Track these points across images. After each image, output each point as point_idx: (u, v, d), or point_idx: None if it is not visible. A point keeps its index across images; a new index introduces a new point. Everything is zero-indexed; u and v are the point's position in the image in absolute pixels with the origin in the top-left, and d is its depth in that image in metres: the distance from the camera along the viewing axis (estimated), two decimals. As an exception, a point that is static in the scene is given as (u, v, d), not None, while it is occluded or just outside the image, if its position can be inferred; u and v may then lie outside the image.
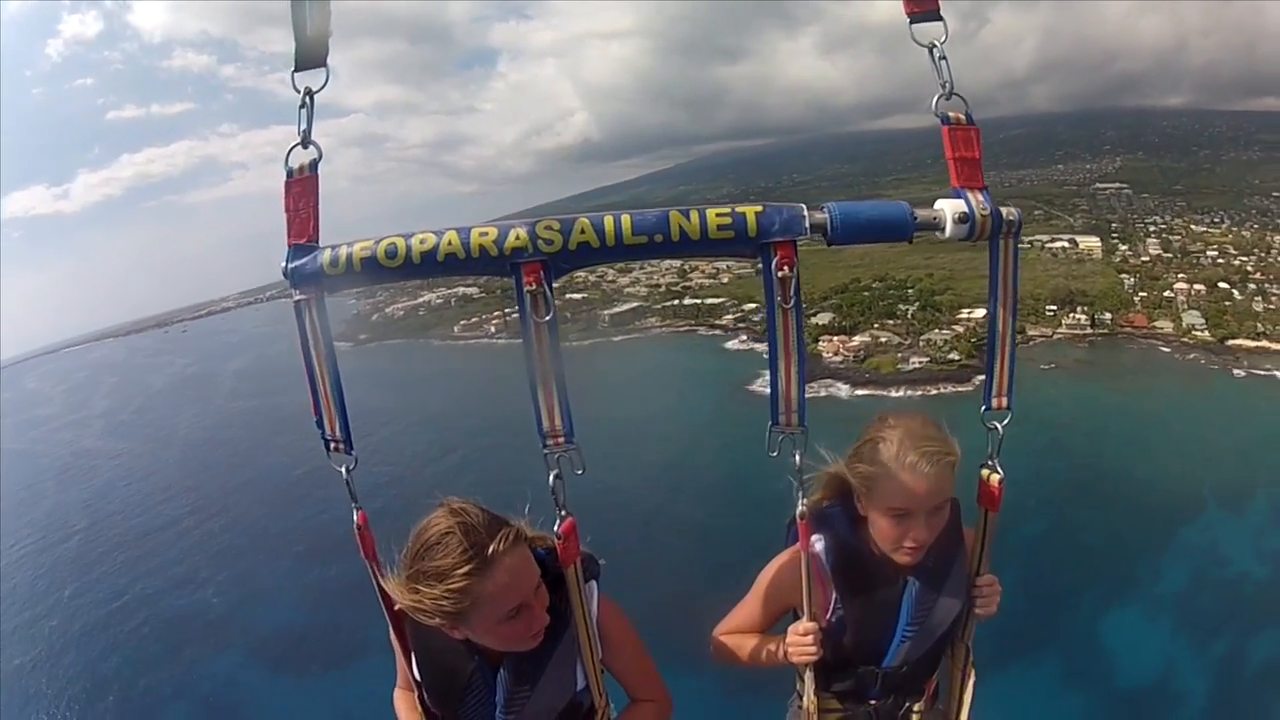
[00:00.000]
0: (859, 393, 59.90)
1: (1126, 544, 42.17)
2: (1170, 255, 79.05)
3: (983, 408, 2.20)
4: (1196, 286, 72.03)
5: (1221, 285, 72.23)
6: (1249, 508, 46.07)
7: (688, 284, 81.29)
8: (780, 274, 1.89)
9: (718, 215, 1.89)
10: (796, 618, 2.43)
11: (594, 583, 2.23)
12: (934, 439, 2.22)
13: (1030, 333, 67.84)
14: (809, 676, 2.40)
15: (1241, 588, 39.35)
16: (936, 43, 2.02)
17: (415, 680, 2.24)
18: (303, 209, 1.94)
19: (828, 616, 2.42)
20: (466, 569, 1.86)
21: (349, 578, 42.25)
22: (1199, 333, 67.25)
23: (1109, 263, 75.84)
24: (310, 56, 1.90)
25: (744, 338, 74.25)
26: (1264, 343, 66.26)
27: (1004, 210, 1.99)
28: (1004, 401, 2.18)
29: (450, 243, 1.84)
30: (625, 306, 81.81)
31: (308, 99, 1.93)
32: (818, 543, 2.42)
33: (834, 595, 2.41)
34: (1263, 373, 62.76)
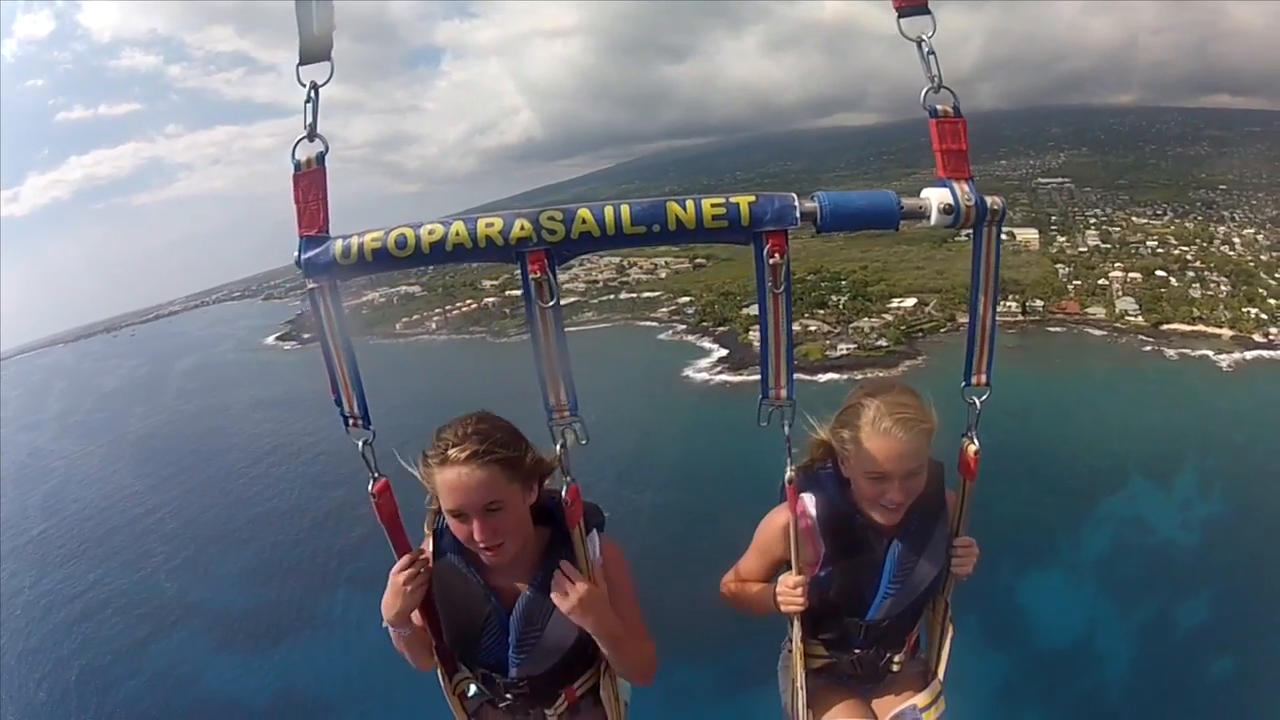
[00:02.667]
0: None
1: (1046, 513, 43.07)
2: (1109, 246, 79.97)
3: (963, 383, 2.33)
4: (1132, 275, 73.16)
5: (1159, 274, 73.50)
6: (1176, 480, 47.42)
7: (625, 279, 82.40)
8: (772, 261, 1.98)
9: (712, 205, 1.95)
10: (789, 569, 2.58)
11: (595, 532, 2.39)
12: (909, 406, 2.36)
13: (959, 320, 68.10)
14: (797, 625, 2.57)
15: (1167, 555, 40.60)
16: (925, 36, 2.07)
17: (432, 626, 2.44)
18: (312, 201, 2.00)
19: (816, 571, 2.58)
20: (431, 459, 2.15)
21: (292, 559, 44.90)
22: (1132, 318, 68.53)
23: (1045, 253, 76.60)
24: (314, 51, 1.95)
25: (677, 328, 75.54)
26: (1199, 326, 67.57)
27: (989, 199, 2.06)
28: (983, 379, 2.32)
29: (458, 233, 1.92)
30: (563, 301, 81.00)
31: (313, 92, 1.98)
32: (809, 500, 2.59)
33: (823, 550, 2.57)
34: (1195, 355, 64.11)
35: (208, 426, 69.60)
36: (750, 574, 2.76)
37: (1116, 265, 74.60)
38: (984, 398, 2.34)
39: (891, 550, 2.53)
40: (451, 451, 2.11)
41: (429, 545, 2.41)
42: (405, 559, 2.31)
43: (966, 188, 2.06)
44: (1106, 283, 73.20)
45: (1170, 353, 64.70)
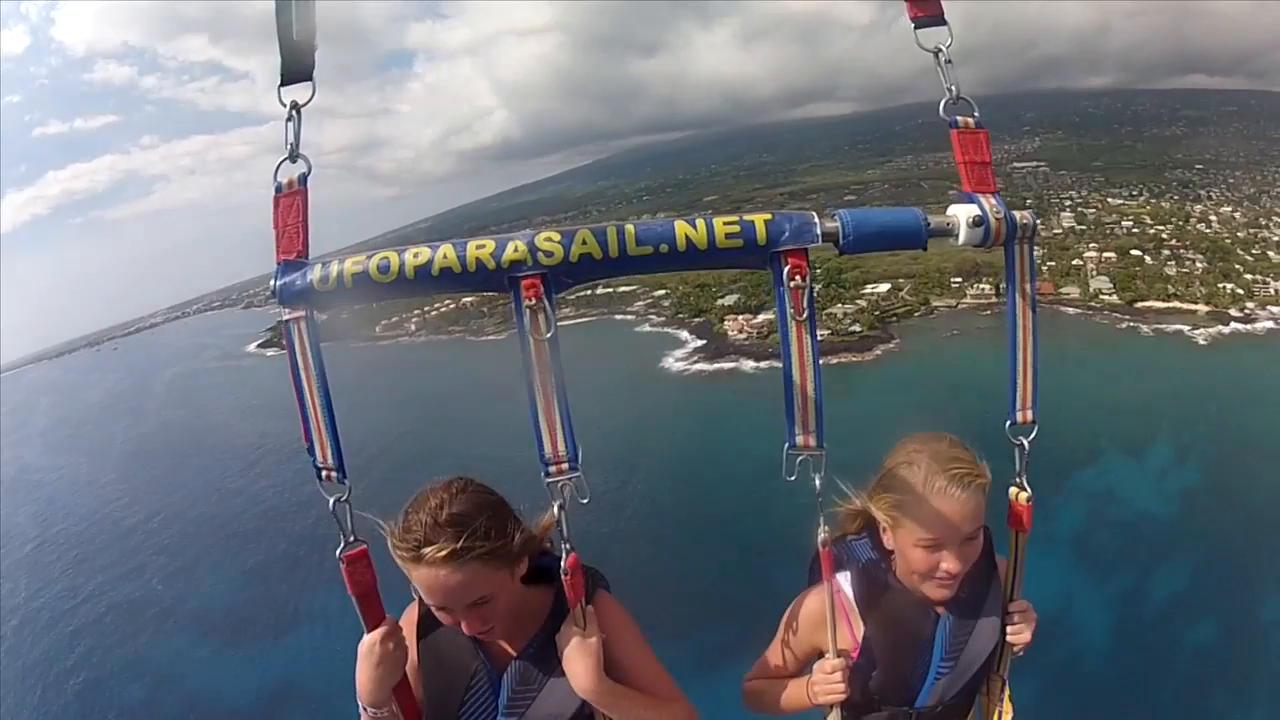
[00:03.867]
0: (762, 365, 61.73)
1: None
2: (1084, 228, 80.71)
3: (1007, 422, 2.10)
4: (1107, 254, 73.80)
5: (1134, 253, 74.10)
6: (1150, 453, 48.25)
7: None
8: (793, 283, 1.85)
9: (725, 224, 1.83)
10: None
11: (593, 599, 2.14)
12: (962, 461, 2.10)
13: (935, 303, 69.96)
14: (836, 716, 2.27)
15: (1141, 526, 41.25)
16: (942, 47, 2.00)
17: (408, 706, 2.14)
18: (291, 224, 1.90)
19: (856, 655, 2.28)
20: (402, 554, 1.89)
21: (278, 559, 45.90)
22: (1106, 296, 69.29)
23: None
24: (296, 71, 1.89)
25: (654, 320, 76.66)
26: (1175, 303, 68.19)
27: (1018, 214, 1.95)
28: (1029, 415, 2.08)
29: (445, 256, 1.79)
30: None
31: (294, 113, 1.90)
32: (843, 578, 2.32)
33: (862, 632, 2.28)
34: (1171, 330, 64.92)
35: (193, 435, 70.72)
36: (777, 669, 2.43)
37: (1091, 246, 75.13)
38: (1032, 436, 2.08)
39: (941, 626, 2.25)
40: (426, 551, 1.85)
41: (416, 605, 2.15)
42: (382, 630, 2.01)
43: (994, 201, 1.94)
44: (1081, 263, 73.84)
45: (1145, 329, 65.46)
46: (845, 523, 2.38)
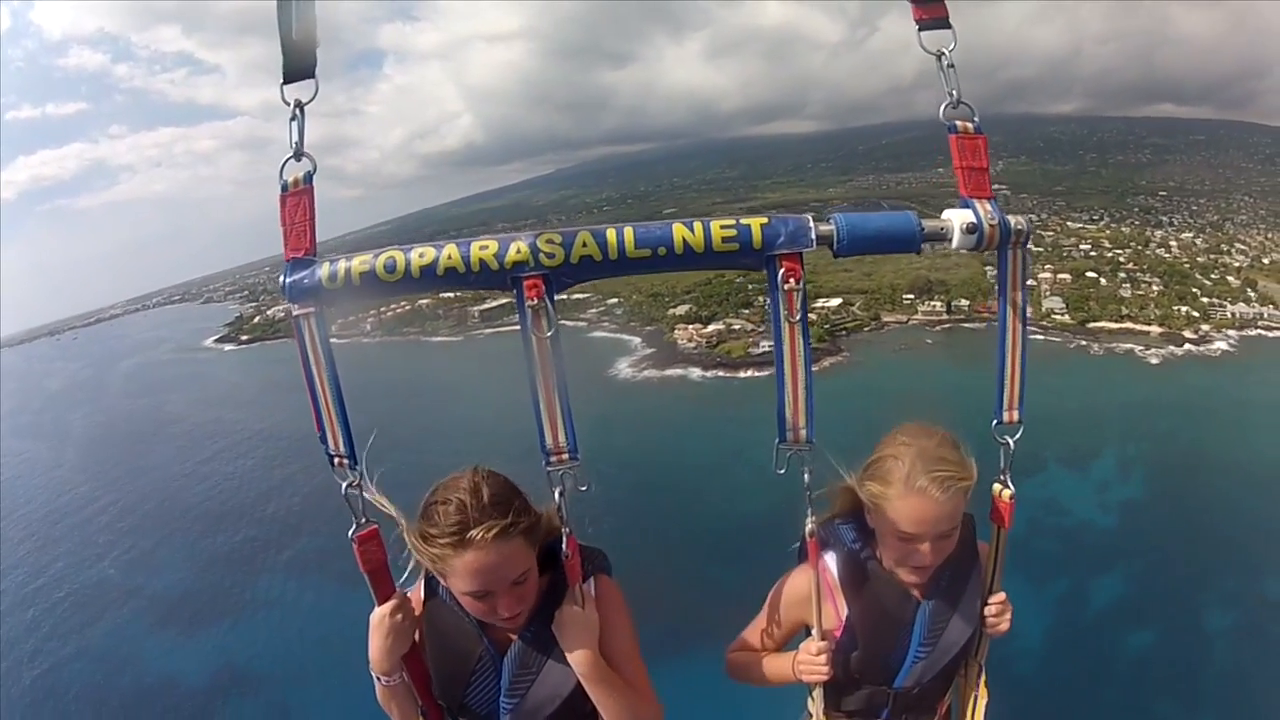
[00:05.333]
0: (709, 374, 63.73)
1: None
2: (1040, 249, 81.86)
3: (994, 421, 2.15)
4: (1061, 275, 74.98)
5: (1090, 274, 75.21)
6: (1094, 466, 49.00)
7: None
8: (786, 286, 1.88)
9: (722, 228, 1.86)
10: (809, 634, 2.40)
11: (593, 578, 2.21)
12: (948, 462, 2.13)
13: (885, 319, 71.23)
14: (819, 695, 2.35)
15: (1083, 535, 41.93)
16: (945, 51, 2.01)
17: (419, 677, 2.20)
18: (298, 222, 1.93)
19: (838, 634, 2.35)
20: (444, 542, 1.90)
21: (230, 546, 47.06)
22: (1058, 316, 70.38)
23: (976, 256, 79.32)
24: (298, 68, 1.90)
25: (607, 326, 77.61)
26: (1127, 324, 69.51)
27: (1013, 220, 1.97)
28: (1015, 415, 2.14)
29: (450, 257, 1.83)
30: (494, 303, 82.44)
31: (298, 111, 1.91)
32: (829, 559, 2.37)
33: (845, 613, 2.35)
34: (1121, 350, 66.25)
35: (149, 424, 71.84)
36: (761, 642, 2.52)
37: (1046, 267, 76.00)
38: (1017, 436, 2.16)
39: (921, 610, 2.32)
40: (474, 532, 1.89)
41: (420, 589, 2.21)
42: (392, 603, 2.10)
43: (989, 207, 1.97)
44: (1035, 283, 75.54)
45: (1096, 348, 66.67)
46: (836, 500, 2.41)
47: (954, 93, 2.00)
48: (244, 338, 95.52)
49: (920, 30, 2.01)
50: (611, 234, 1.85)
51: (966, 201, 1.99)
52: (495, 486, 1.96)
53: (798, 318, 1.91)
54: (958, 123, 2.02)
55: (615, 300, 79.59)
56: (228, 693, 35.16)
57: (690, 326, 71.09)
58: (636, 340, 73.91)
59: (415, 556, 2.02)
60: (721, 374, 64.35)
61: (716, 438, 52.57)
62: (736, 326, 68.99)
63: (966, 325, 70.31)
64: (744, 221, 1.87)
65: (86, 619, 42.29)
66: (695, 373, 64.76)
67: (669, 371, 65.92)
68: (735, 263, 1.90)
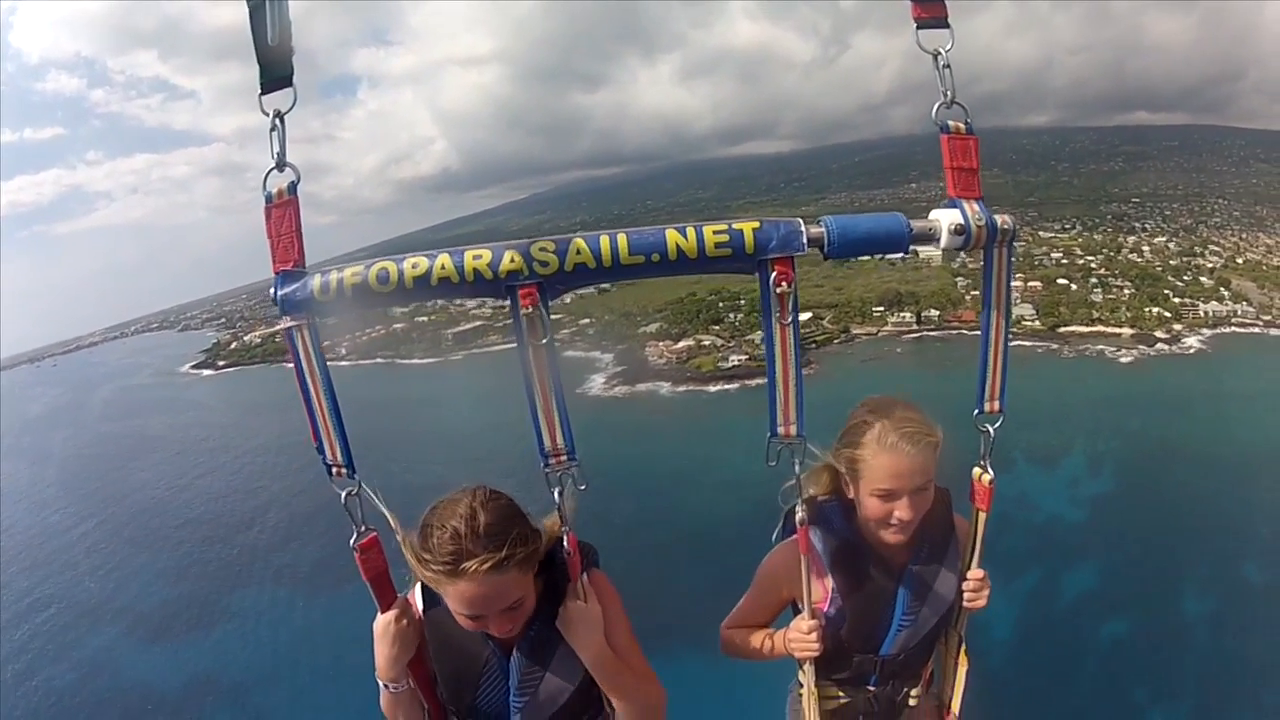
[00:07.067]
0: (679, 389, 64.97)
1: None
2: (1012, 259, 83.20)
3: (975, 411, 2.22)
4: (1032, 283, 76.28)
5: (1060, 281, 76.53)
6: (1063, 463, 49.84)
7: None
8: (778, 290, 1.91)
9: (715, 233, 1.87)
10: (797, 610, 2.47)
11: (586, 573, 2.22)
12: (914, 420, 2.25)
13: (855, 331, 71.93)
14: (809, 667, 2.44)
15: (1052, 530, 42.55)
16: (942, 50, 2.02)
17: (424, 683, 2.22)
18: (285, 233, 1.92)
19: (825, 608, 2.44)
20: (437, 569, 1.89)
21: (206, 560, 48.29)
22: (1028, 323, 71.47)
23: (946, 267, 78.54)
24: (275, 77, 1.88)
25: (580, 345, 77.87)
26: (1098, 327, 70.87)
27: (999, 219, 2.01)
28: (996, 405, 2.22)
29: (443, 266, 1.82)
30: (468, 325, 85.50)
31: (278, 121, 1.90)
32: (814, 535, 2.43)
33: (832, 588, 2.44)
34: (1092, 352, 67.36)
35: (128, 447, 73.35)
36: (752, 618, 2.62)
37: (1017, 275, 78.08)
38: (998, 425, 2.23)
39: (903, 580, 2.42)
40: (468, 565, 1.86)
41: (416, 594, 2.20)
42: (395, 610, 2.12)
43: (977, 208, 2.00)
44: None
45: (1067, 352, 67.64)
46: (816, 480, 2.49)
47: (948, 93, 2.03)
48: (221, 363, 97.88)
49: (918, 29, 2.03)
50: (605, 241, 1.86)
51: (954, 202, 2.02)
52: (493, 514, 1.93)
53: (789, 320, 1.94)
54: (950, 123, 2.05)
55: (587, 320, 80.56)
56: (199, 697, 35.95)
57: (661, 343, 72.17)
58: (608, 358, 74.79)
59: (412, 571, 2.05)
60: (691, 388, 65.65)
61: (688, 447, 53.65)
62: (706, 342, 69.94)
63: (934, 334, 71.13)
64: (736, 226, 1.89)
65: (62, 627, 43.36)
66: (664, 388, 66.01)
67: (639, 387, 66.82)
68: (728, 267, 1.92)
